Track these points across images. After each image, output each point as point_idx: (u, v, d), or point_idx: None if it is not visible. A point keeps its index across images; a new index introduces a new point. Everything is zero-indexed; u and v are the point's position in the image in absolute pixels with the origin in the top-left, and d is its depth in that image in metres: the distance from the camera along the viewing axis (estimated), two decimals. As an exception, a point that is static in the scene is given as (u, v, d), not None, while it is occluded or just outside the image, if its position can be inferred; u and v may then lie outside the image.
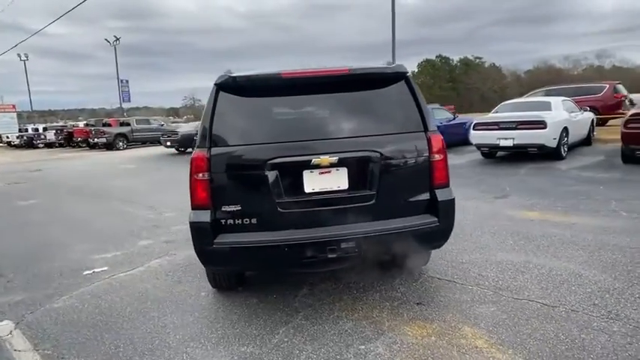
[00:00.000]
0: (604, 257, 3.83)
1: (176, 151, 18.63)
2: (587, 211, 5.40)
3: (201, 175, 2.83)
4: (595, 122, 12.09)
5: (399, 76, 3.03)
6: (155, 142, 23.08)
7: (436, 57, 74.82)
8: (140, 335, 2.97)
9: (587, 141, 11.39)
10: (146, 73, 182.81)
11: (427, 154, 2.95)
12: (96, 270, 4.35)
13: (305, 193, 2.86)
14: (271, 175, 2.83)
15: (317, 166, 2.83)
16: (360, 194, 2.90)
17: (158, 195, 8.56)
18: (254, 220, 2.85)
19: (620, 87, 15.17)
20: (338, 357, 2.58)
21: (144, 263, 4.49)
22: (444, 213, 2.95)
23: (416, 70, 77.64)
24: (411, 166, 2.97)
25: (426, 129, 2.98)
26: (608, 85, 14.92)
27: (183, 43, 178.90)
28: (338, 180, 2.87)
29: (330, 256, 2.81)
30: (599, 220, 4.97)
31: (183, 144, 17.86)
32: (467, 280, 3.53)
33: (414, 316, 3.00)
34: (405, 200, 2.99)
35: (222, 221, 2.85)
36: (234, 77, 2.88)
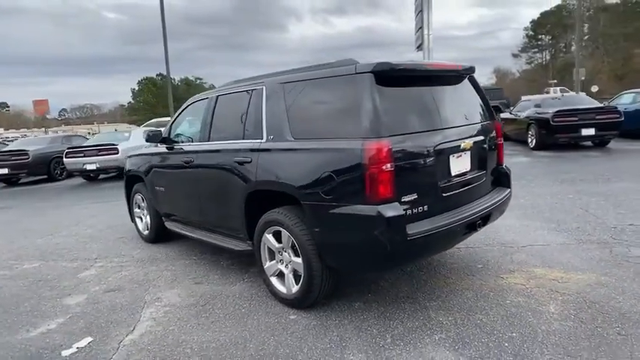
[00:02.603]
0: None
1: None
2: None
3: (386, 165, 2.61)
4: None
5: (472, 71, 3.60)
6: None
7: (157, 75, 73.09)
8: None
9: None
10: None
11: (496, 138, 3.65)
12: None
13: (452, 175, 3.08)
14: (436, 161, 2.92)
15: (457, 150, 3.10)
16: (477, 174, 3.34)
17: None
18: (425, 207, 2.84)
19: None
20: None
21: None
22: (510, 184, 3.72)
23: (136, 88, 73.74)
24: (492, 149, 3.59)
25: (493, 118, 3.67)
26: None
27: None
28: (465, 163, 3.22)
29: (478, 229, 3.15)
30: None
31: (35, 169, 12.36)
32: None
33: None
34: (491, 176, 3.59)
35: (405, 212, 2.72)
36: (394, 65, 2.79)
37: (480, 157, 3.37)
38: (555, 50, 65.31)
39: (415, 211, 2.78)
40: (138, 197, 5.38)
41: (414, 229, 2.69)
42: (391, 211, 2.61)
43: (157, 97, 70.20)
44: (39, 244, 5.75)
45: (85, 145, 12.05)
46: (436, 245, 3.01)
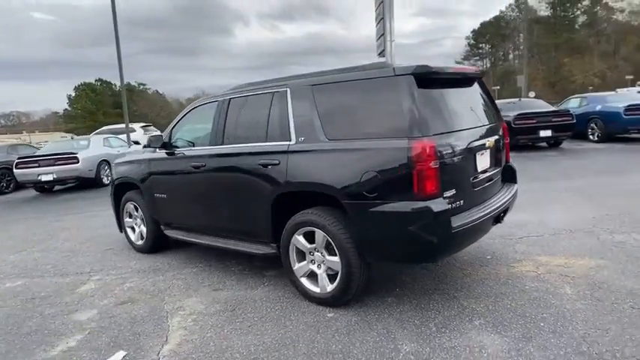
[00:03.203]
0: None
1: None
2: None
3: (432, 163, 2.75)
4: None
5: (482, 75, 3.83)
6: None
7: (96, 81, 69.55)
8: None
9: None
10: None
11: (504, 138, 3.92)
12: None
13: (478, 172, 3.28)
14: (468, 158, 3.11)
15: (482, 148, 3.31)
16: (495, 171, 3.57)
17: None
18: (461, 202, 3.01)
19: None
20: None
21: None
22: (516, 179, 3.99)
23: (73, 95, 69.53)
24: (502, 147, 3.84)
25: (501, 118, 3.93)
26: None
27: None
28: (486, 160, 3.43)
29: (501, 221, 3.38)
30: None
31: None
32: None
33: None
34: (504, 173, 3.84)
35: (449, 207, 2.86)
36: (431, 68, 2.94)
37: (496, 155, 3.61)
38: (495, 58, 69.59)
39: (454, 205, 2.94)
40: (130, 206, 5.16)
41: (456, 222, 2.85)
42: (439, 206, 2.74)
43: (96, 104, 66.80)
44: (13, 261, 5.34)
45: (39, 154, 11.26)
46: (473, 237, 3.18)
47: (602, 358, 2.41)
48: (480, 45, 73.26)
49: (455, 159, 3.00)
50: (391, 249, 2.99)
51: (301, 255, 3.45)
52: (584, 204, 5.76)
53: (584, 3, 61.54)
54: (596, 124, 11.88)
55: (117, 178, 5.26)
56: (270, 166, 3.46)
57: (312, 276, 3.42)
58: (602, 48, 56.97)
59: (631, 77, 43.47)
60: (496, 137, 3.59)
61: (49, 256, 5.44)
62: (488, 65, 72.56)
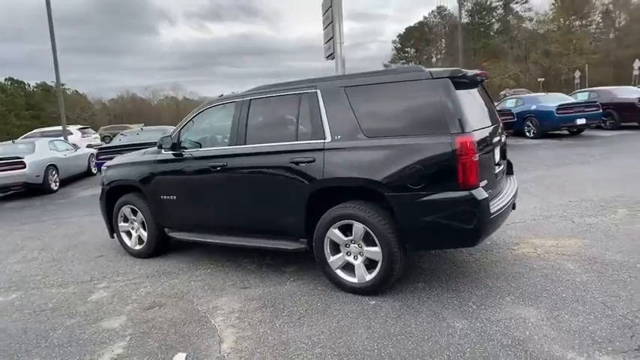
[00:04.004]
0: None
1: None
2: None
3: (474, 156, 3.05)
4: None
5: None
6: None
7: (6, 80, 63.18)
8: None
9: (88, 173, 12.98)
10: None
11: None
12: None
13: (496, 164, 3.65)
14: (491, 152, 3.48)
15: (498, 143, 3.71)
16: (503, 164, 3.98)
17: None
18: (490, 191, 3.35)
19: None
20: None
21: None
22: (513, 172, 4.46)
23: (-23, 94, 62.42)
24: (505, 142, 4.24)
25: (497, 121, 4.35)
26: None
27: None
28: (498, 154, 3.82)
29: (514, 208, 3.79)
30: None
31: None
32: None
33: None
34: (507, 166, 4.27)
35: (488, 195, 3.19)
36: (462, 71, 3.25)
37: (503, 150, 4.02)
38: (420, 62, 73.19)
39: (488, 194, 3.27)
40: (126, 210, 4.96)
41: (492, 208, 3.18)
42: (481, 194, 3.06)
43: (7, 106, 60.68)
44: (-10, 275, 4.90)
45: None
46: (501, 222, 3.53)
47: (626, 319, 2.86)
48: (406, 49, 76.99)
49: (484, 153, 3.33)
50: (436, 236, 3.25)
51: (335, 248, 3.61)
52: (547, 193, 6.47)
53: (498, 12, 67.12)
54: (531, 122, 13.17)
55: (111, 182, 5.02)
56: (303, 164, 3.58)
57: (347, 267, 3.59)
58: (515, 53, 62.50)
59: (542, 80, 48.25)
60: (503, 134, 4.00)
61: (30, 266, 5.05)
62: (415, 68, 76.32)
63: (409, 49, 76.75)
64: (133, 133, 12.04)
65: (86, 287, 4.26)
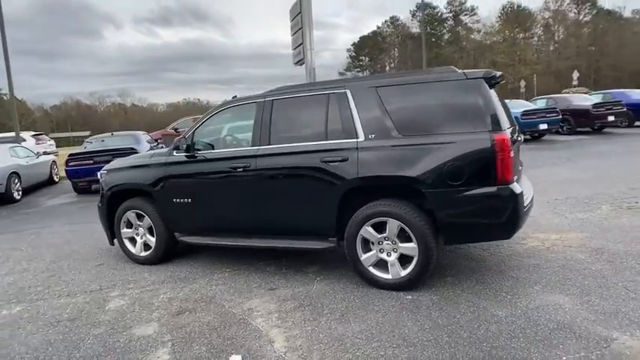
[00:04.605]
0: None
1: None
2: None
3: (510, 153, 3.22)
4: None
5: None
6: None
7: None
8: None
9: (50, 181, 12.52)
10: None
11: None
12: None
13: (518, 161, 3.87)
14: (516, 150, 3.66)
15: (517, 141, 3.92)
16: (521, 162, 4.21)
17: None
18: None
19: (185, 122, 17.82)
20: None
21: None
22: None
23: None
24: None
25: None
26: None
27: None
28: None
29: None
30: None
31: None
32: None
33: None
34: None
35: None
36: (492, 72, 3.42)
37: (518, 149, 4.24)
38: (374, 70, 75.12)
39: None
40: (130, 215, 4.76)
41: (525, 202, 3.36)
42: (517, 188, 3.24)
43: None
44: (-22, 289, 4.53)
45: None
46: (528, 215, 3.72)
47: (651, 299, 3.12)
48: (361, 57, 78.81)
49: (515, 150, 3.52)
50: (473, 230, 3.39)
51: (366, 245, 3.67)
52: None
53: (449, 22, 70.31)
54: (497, 127, 13.86)
55: (113, 186, 4.81)
56: (336, 163, 3.62)
57: (378, 264, 3.65)
58: (465, 62, 65.64)
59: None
60: (519, 134, 4.24)
61: (25, 278, 4.72)
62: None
63: (364, 57, 78.58)
64: (98, 140, 11.52)
65: (98, 296, 4.04)
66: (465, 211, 3.31)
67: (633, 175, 7.59)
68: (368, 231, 3.59)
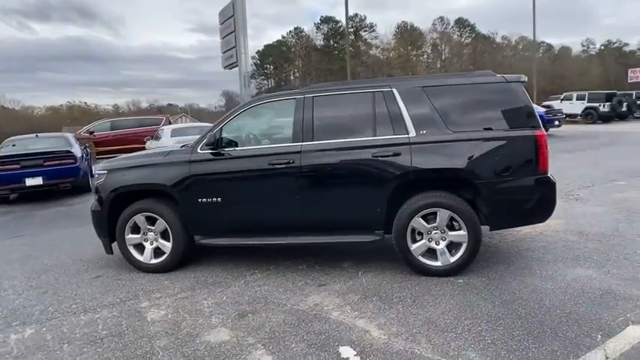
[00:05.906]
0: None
1: None
2: None
3: (548, 147, 3.69)
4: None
5: None
6: None
7: None
8: None
9: None
10: None
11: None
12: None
13: None
14: None
15: None
16: None
17: None
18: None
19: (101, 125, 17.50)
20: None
21: None
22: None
23: None
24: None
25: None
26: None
27: None
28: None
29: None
30: None
31: None
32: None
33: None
34: None
35: None
36: (522, 76, 3.88)
37: None
38: (279, 79, 75.87)
39: None
40: (139, 219, 4.35)
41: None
42: (553, 177, 3.72)
43: None
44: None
45: None
46: None
47: (665, 272, 3.78)
48: (266, 65, 79.12)
49: None
50: (517, 215, 3.80)
51: (413, 236, 3.88)
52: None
53: (350, 37, 73.98)
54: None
55: (119, 187, 4.34)
56: (387, 157, 3.78)
57: (429, 252, 3.87)
58: (365, 75, 69.72)
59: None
60: None
61: (9, 299, 4.03)
62: (273, 85, 79.05)
63: (269, 65, 78.93)
64: (21, 142, 10.07)
65: (126, 308, 3.64)
66: (512, 198, 3.71)
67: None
68: (419, 222, 3.80)
